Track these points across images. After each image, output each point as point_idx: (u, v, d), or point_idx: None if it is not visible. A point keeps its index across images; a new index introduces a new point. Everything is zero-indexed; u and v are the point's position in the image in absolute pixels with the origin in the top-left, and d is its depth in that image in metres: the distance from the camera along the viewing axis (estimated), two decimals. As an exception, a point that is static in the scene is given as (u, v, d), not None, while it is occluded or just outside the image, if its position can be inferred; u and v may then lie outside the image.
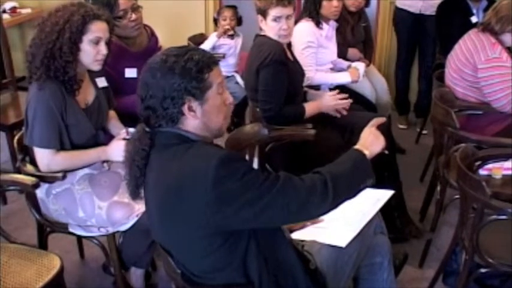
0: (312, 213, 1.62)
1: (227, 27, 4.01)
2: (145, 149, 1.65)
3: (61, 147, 2.25)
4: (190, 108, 1.59)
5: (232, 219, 1.52)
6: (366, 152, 1.72)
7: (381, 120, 1.92)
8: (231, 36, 4.03)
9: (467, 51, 3.01)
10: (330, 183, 1.59)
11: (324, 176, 1.61)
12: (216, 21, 4.13)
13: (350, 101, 2.98)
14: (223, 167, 1.50)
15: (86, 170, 2.32)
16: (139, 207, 2.21)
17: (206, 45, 3.93)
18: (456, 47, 3.11)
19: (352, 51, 3.79)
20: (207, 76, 1.59)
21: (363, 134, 1.81)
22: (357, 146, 1.75)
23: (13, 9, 4.70)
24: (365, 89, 3.65)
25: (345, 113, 2.95)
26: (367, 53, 3.95)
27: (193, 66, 1.56)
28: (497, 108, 2.96)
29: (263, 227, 1.63)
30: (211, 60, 1.62)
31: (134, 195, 1.73)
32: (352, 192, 1.67)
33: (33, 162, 2.31)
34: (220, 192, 1.50)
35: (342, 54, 3.62)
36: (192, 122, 1.61)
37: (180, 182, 1.54)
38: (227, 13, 4.04)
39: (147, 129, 1.65)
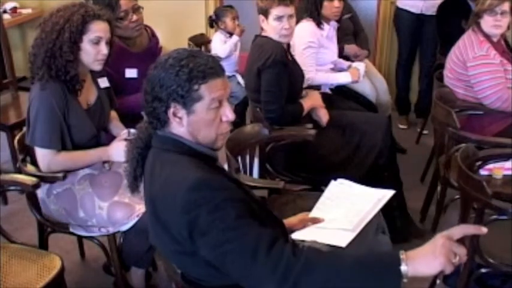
0: None
1: (242, 26, 4.01)
2: (142, 139, 1.64)
3: (62, 148, 2.25)
4: (175, 114, 1.54)
5: (200, 251, 1.46)
6: (404, 268, 1.30)
7: (473, 230, 1.52)
8: (231, 36, 4.03)
9: (458, 50, 3.06)
10: (296, 271, 1.33)
11: (298, 259, 1.35)
12: (213, 22, 4.11)
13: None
14: (194, 191, 1.43)
15: (87, 170, 2.32)
16: (140, 207, 2.22)
17: (228, 46, 3.92)
18: (452, 48, 3.13)
19: (350, 47, 3.78)
20: (197, 87, 1.50)
21: (431, 241, 1.36)
22: (404, 255, 1.33)
23: (14, 10, 4.71)
24: (365, 89, 3.65)
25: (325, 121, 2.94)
26: (362, 44, 3.91)
27: (184, 74, 1.50)
28: (487, 106, 2.98)
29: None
30: (209, 71, 1.52)
31: (133, 189, 1.71)
32: None
33: (34, 163, 2.31)
34: (190, 218, 1.43)
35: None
36: (178, 129, 1.57)
37: (161, 197, 1.51)
38: (234, 13, 4.03)
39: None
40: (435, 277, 2.54)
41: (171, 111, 1.54)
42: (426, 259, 1.33)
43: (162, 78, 1.52)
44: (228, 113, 1.58)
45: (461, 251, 1.35)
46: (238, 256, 1.39)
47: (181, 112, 1.54)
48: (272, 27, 2.80)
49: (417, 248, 1.36)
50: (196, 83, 1.51)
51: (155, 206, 1.56)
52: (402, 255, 1.32)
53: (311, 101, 2.94)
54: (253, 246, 1.38)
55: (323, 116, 2.93)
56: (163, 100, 1.53)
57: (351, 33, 3.95)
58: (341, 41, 3.71)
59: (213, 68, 1.53)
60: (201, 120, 1.55)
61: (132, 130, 2.11)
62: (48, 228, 2.41)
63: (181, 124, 1.55)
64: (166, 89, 1.52)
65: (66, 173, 2.26)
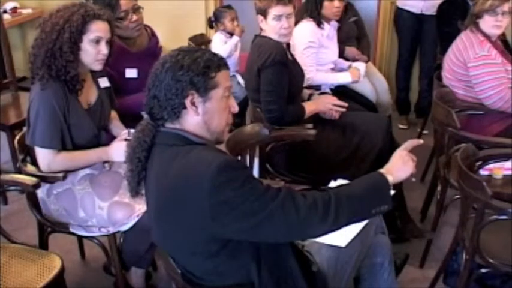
0: (309, 233, 1.58)
1: (242, 26, 4.00)
2: (147, 140, 1.64)
3: (63, 148, 2.25)
4: (192, 103, 1.58)
5: (227, 229, 1.51)
6: (390, 178, 1.66)
7: (415, 142, 1.84)
8: (231, 36, 4.03)
9: (457, 50, 3.05)
10: (333, 205, 1.55)
11: (329, 195, 1.57)
12: (213, 23, 4.10)
13: (345, 105, 2.98)
14: (221, 173, 1.48)
15: (87, 170, 2.32)
16: (140, 207, 2.21)
17: (228, 47, 3.92)
18: (449, 48, 3.13)
19: (350, 50, 3.78)
20: (214, 75, 1.59)
21: (393, 157, 1.75)
22: (382, 170, 1.70)
23: (14, 10, 4.71)
24: (365, 89, 3.65)
25: (337, 116, 2.95)
26: (364, 50, 3.93)
27: (202, 62, 1.58)
28: (488, 106, 2.98)
29: (258, 241, 1.59)
30: (221, 62, 1.63)
31: (135, 193, 1.72)
32: (359, 216, 1.63)
33: (34, 163, 2.31)
34: (217, 200, 1.48)
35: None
36: (193, 118, 1.60)
37: (177, 186, 1.53)
38: (233, 14, 4.03)
39: (151, 122, 1.65)
40: (435, 277, 2.55)
41: (188, 99, 1.58)
42: (400, 167, 1.71)
43: (179, 68, 1.57)
44: (234, 105, 1.69)
45: (414, 157, 1.77)
46: (281, 213, 1.50)
47: (198, 100, 1.59)
48: (271, 27, 2.80)
49: (388, 164, 1.73)
50: (214, 70, 1.59)
51: (166, 199, 1.57)
52: (383, 170, 1.69)
53: (315, 105, 2.94)
54: (290, 200, 1.52)
55: (329, 116, 2.95)
56: (179, 89, 1.57)
57: (354, 37, 3.95)
58: (343, 42, 3.71)
59: (223, 60, 1.65)
60: (216, 108, 1.61)
61: (132, 130, 2.11)
62: (48, 228, 2.41)
63: (197, 113, 1.60)
64: (184, 77, 1.56)
65: (66, 173, 2.26)
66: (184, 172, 1.53)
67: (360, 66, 3.46)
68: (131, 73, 2.81)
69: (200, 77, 1.57)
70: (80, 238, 2.69)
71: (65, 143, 2.25)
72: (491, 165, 2.47)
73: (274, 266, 1.65)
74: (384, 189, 1.64)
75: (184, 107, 1.59)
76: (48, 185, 2.30)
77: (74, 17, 2.18)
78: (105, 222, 2.27)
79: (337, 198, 1.56)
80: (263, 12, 2.80)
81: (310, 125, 2.80)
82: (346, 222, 1.59)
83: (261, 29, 2.89)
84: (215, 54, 1.64)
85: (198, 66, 1.57)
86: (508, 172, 2.48)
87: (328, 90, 3.42)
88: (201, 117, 1.61)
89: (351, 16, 3.86)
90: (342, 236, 1.88)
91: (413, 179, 1.76)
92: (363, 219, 1.70)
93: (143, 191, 1.72)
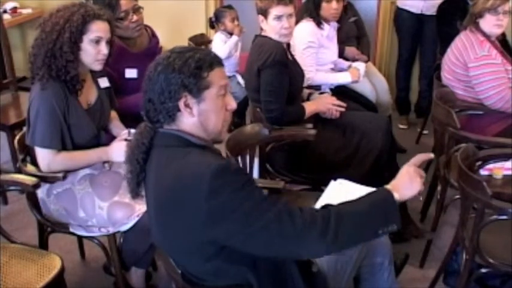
0: (306, 251, 1.52)
1: (242, 26, 4.01)
2: (145, 143, 1.64)
3: (63, 147, 2.25)
4: (186, 105, 1.57)
5: (222, 235, 1.49)
6: (396, 195, 1.58)
7: (425, 156, 1.76)
8: (231, 36, 4.03)
9: (457, 51, 3.05)
10: (333, 222, 1.48)
11: (329, 212, 1.51)
12: (214, 23, 4.11)
13: (344, 105, 2.99)
14: (220, 176, 1.46)
15: (87, 170, 2.32)
16: (140, 207, 2.22)
17: (228, 47, 3.92)
18: (448, 49, 3.13)
19: (350, 50, 3.79)
20: (206, 75, 1.57)
21: (399, 173, 1.66)
22: (388, 186, 1.62)
23: (14, 10, 4.71)
24: (365, 89, 3.65)
25: (337, 115, 2.96)
26: (363, 49, 3.94)
27: (193, 63, 1.55)
28: (489, 106, 2.98)
29: (251, 251, 1.54)
30: (214, 60, 1.60)
31: (135, 194, 1.72)
32: (362, 235, 1.56)
33: (34, 163, 2.31)
34: (214, 204, 1.46)
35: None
36: (189, 120, 1.59)
37: (176, 187, 1.53)
38: (234, 13, 4.03)
39: (149, 125, 1.65)
40: (435, 277, 2.55)
41: (182, 101, 1.57)
42: (407, 184, 1.63)
43: (170, 71, 1.55)
44: (232, 102, 1.66)
45: (423, 173, 1.69)
46: (277, 224, 1.47)
47: (192, 101, 1.57)
48: (272, 27, 2.80)
49: (394, 180, 1.65)
50: (206, 70, 1.57)
51: (165, 200, 1.56)
52: (389, 186, 1.61)
53: (315, 105, 2.94)
54: (287, 212, 1.49)
55: (330, 115, 2.95)
56: (172, 92, 1.56)
57: (354, 37, 3.96)
58: (343, 42, 3.71)
59: (216, 58, 1.62)
60: (211, 108, 1.59)
61: (132, 130, 2.11)
62: (48, 228, 2.41)
63: (192, 114, 1.58)
64: (176, 80, 1.55)
65: (66, 173, 2.26)
66: (183, 173, 1.52)
67: (360, 66, 3.46)
68: (131, 73, 2.81)
69: (191, 78, 1.55)
70: (80, 238, 2.69)
71: (65, 143, 2.25)
72: (491, 165, 2.47)
73: (273, 266, 1.65)
74: (389, 207, 1.56)
75: (179, 110, 1.57)
76: (48, 185, 2.31)
77: (74, 16, 2.18)
78: (105, 222, 2.27)
79: (337, 215, 1.50)
80: (264, 12, 2.80)
81: (310, 125, 2.80)
82: (348, 240, 1.53)
83: (262, 29, 2.90)
84: (208, 53, 1.61)
85: (189, 68, 1.55)
86: (508, 172, 2.48)
87: (328, 90, 3.42)
88: (196, 118, 1.59)
89: (351, 16, 3.87)
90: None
91: (421, 198, 1.69)
92: (368, 239, 1.63)
93: (143, 192, 1.72)
